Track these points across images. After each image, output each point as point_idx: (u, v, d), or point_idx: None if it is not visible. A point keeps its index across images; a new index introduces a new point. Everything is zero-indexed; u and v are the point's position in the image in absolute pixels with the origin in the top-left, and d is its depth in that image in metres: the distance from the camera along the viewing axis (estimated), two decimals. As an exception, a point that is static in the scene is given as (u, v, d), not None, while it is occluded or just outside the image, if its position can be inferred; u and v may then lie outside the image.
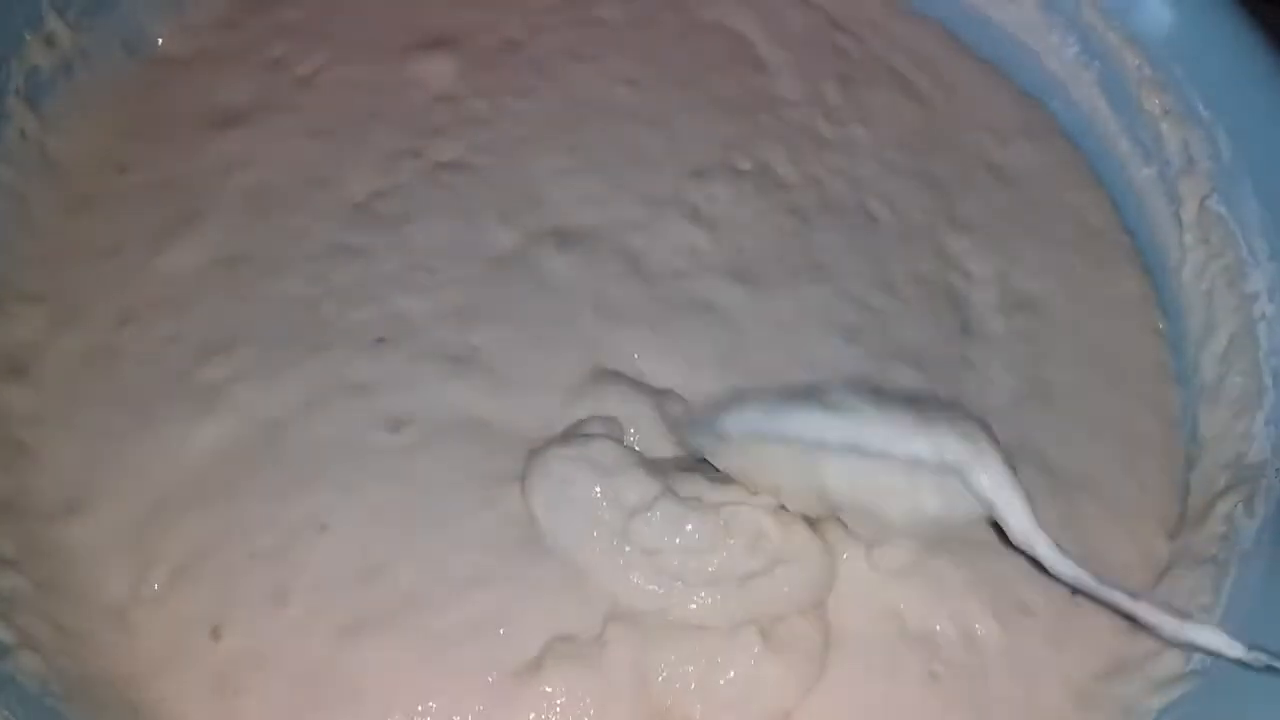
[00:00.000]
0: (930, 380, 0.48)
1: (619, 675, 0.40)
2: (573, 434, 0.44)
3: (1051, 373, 0.49)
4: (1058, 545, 0.35)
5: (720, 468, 0.42)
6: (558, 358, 0.47)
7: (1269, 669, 0.34)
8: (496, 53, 0.56)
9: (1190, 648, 0.36)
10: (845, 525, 0.41)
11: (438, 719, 0.40)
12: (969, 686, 0.42)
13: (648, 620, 0.41)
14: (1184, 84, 0.51)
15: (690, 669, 0.40)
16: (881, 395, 0.39)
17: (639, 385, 0.46)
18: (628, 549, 0.41)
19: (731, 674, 0.40)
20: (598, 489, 0.41)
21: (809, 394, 0.40)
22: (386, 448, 0.44)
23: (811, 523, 0.42)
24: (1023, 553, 0.36)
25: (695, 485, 0.42)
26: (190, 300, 0.48)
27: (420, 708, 0.40)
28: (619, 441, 0.43)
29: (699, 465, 0.43)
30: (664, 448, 0.44)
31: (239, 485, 0.44)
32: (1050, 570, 0.36)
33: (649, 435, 0.44)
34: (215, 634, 0.41)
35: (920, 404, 0.38)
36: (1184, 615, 0.35)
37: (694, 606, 0.40)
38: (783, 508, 0.41)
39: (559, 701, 0.39)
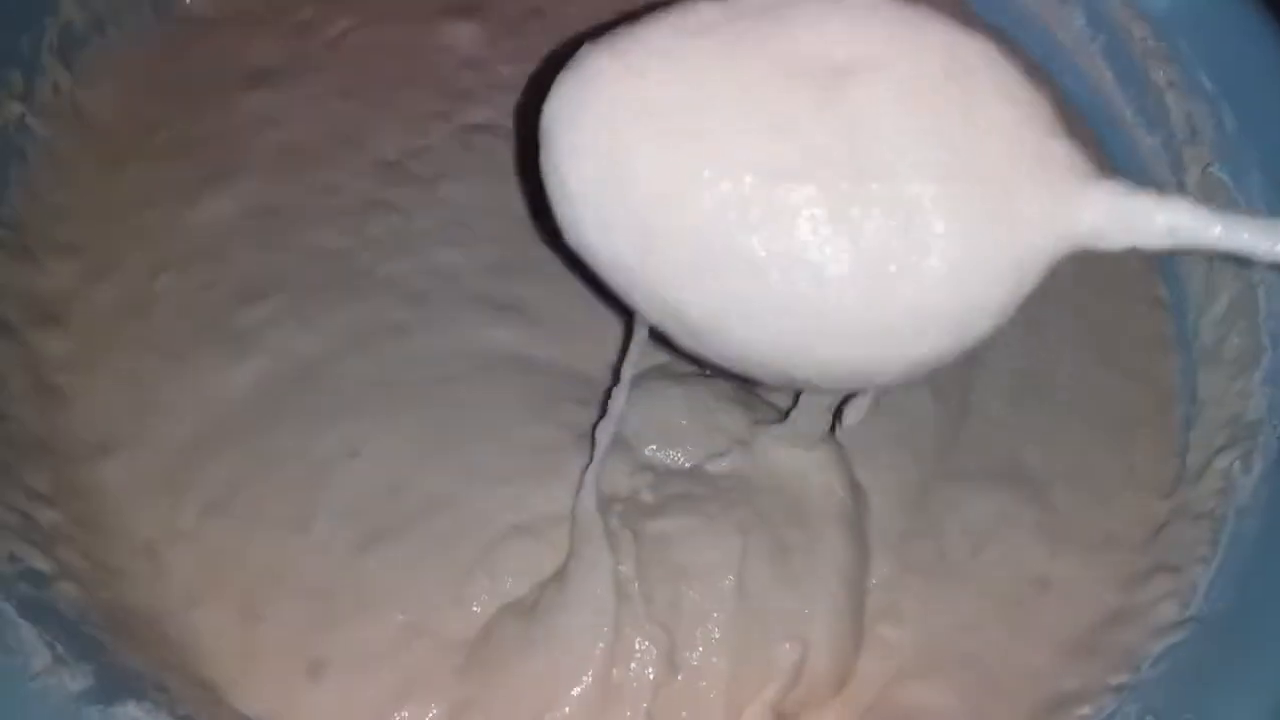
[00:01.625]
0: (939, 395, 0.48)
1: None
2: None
3: (1050, 363, 0.50)
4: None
5: None
6: (611, 321, 0.47)
7: None
8: (521, 20, 0.57)
9: None
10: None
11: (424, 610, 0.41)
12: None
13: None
14: (1189, 57, 0.52)
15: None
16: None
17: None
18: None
19: None
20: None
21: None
22: (426, 380, 0.45)
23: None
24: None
25: None
26: (224, 250, 0.49)
27: (418, 603, 0.41)
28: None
29: None
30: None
31: (272, 421, 0.45)
32: None
33: None
34: (241, 565, 0.42)
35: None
36: None
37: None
38: None
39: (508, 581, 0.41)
